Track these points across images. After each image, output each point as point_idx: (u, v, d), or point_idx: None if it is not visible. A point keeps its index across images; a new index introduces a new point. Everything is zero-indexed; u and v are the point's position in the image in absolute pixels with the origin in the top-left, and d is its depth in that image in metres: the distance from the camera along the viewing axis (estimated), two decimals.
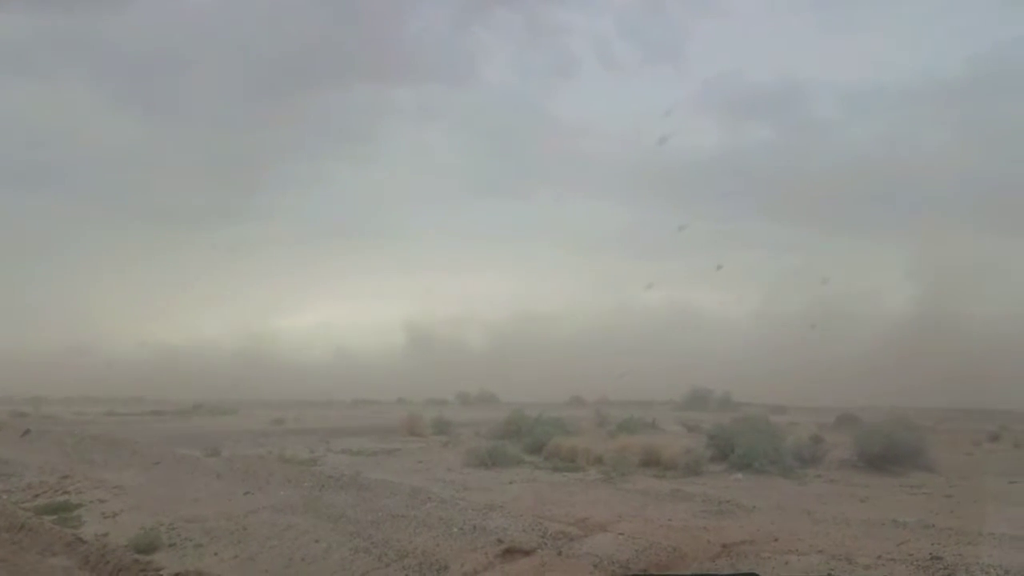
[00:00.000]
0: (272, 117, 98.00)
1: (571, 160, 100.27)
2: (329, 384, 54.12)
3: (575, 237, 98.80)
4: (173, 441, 20.58)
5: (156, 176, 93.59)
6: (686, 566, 7.49)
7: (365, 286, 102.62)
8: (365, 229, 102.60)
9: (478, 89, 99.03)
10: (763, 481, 13.84)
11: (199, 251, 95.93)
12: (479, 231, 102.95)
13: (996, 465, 16.83)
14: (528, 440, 18.45)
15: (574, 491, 12.35)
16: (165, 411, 39.81)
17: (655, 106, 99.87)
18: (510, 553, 7.77)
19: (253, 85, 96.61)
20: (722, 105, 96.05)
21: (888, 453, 15.38)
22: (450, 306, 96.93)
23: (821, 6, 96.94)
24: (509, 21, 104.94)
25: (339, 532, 8.71)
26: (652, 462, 15.40)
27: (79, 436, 19.22)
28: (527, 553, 7.80)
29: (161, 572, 7.09)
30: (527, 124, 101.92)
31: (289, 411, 38.08)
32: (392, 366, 62.46)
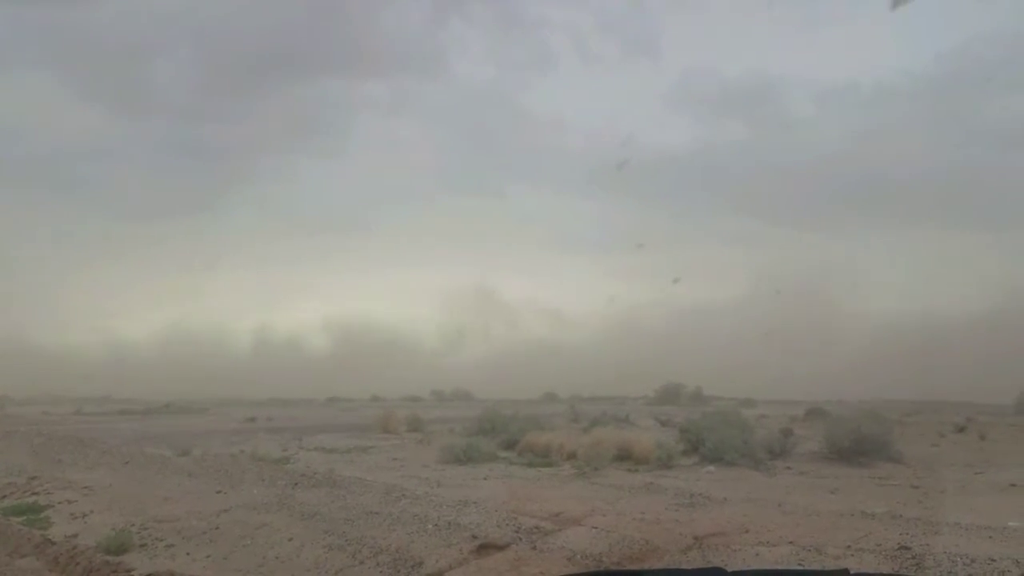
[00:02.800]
0: (242, 110, 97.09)
1: (545, 155, 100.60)
2: (301, 382, 53.84)
3: (548, 233, 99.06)
4: (142, 440, 20.34)
5: (121, 169, 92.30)
6: (659, 558, 7.56)
7: (335, 283, 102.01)
8: (336, 225, 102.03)
9: (452, 83, 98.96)
10: (734, 474, 14.00)
11: (163, 245, 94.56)
12: (451, 226, 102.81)
13: (962, 456, 17.16)
14: (502, 436, 18.50)
15: (548, 486, 12.40)
16: (133, 410, 39.33)
17: (631, 101, 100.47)
18: (484, 548, 7.78)
19: (222, 78, 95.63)
20: (697, 101, 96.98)
21: (856, 445, 15.62)
22: (424, 303, 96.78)
23: (796, 2, 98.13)
24: (484, 15, 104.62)
25: (313, 530, 8.66)
26: (625, 456, 15.52)
27: (47, 436, 18.90)
28: (501, 548, 7.82)
29: (132, 573, 7.00)
30: (502, 119, 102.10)
31: (260, 409, 37.79)
32: (364, 364, 62.20)
